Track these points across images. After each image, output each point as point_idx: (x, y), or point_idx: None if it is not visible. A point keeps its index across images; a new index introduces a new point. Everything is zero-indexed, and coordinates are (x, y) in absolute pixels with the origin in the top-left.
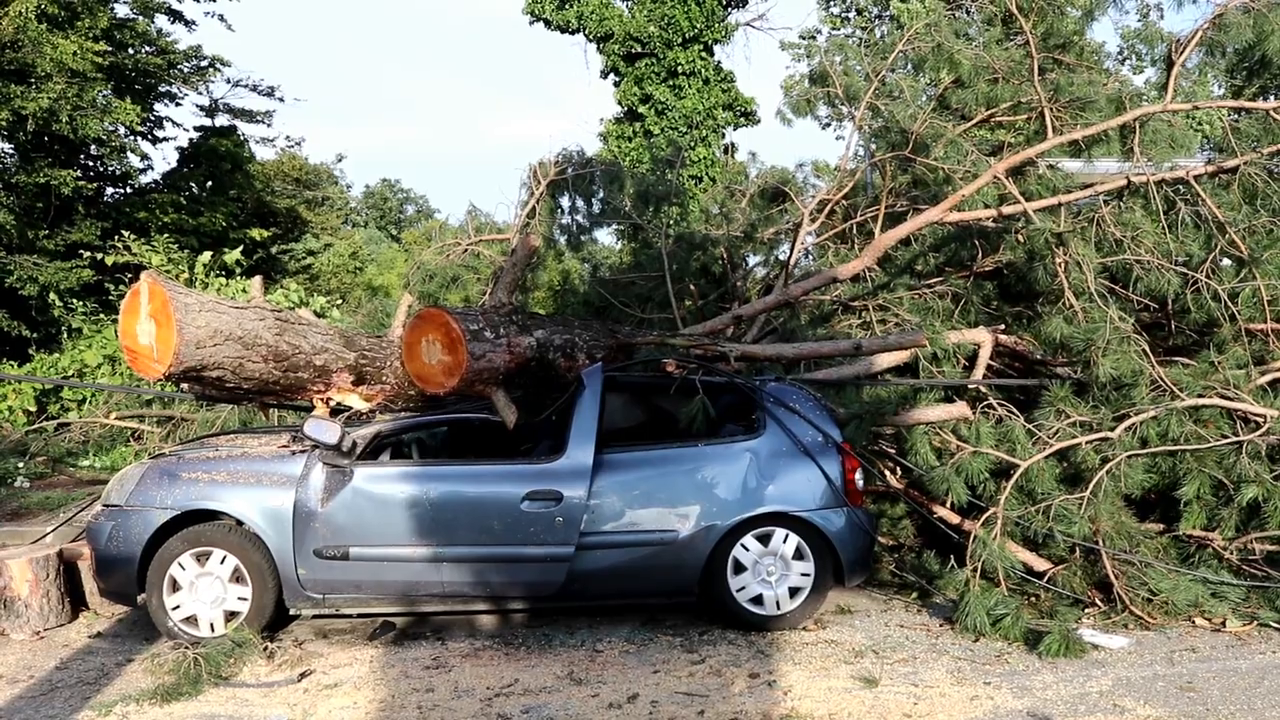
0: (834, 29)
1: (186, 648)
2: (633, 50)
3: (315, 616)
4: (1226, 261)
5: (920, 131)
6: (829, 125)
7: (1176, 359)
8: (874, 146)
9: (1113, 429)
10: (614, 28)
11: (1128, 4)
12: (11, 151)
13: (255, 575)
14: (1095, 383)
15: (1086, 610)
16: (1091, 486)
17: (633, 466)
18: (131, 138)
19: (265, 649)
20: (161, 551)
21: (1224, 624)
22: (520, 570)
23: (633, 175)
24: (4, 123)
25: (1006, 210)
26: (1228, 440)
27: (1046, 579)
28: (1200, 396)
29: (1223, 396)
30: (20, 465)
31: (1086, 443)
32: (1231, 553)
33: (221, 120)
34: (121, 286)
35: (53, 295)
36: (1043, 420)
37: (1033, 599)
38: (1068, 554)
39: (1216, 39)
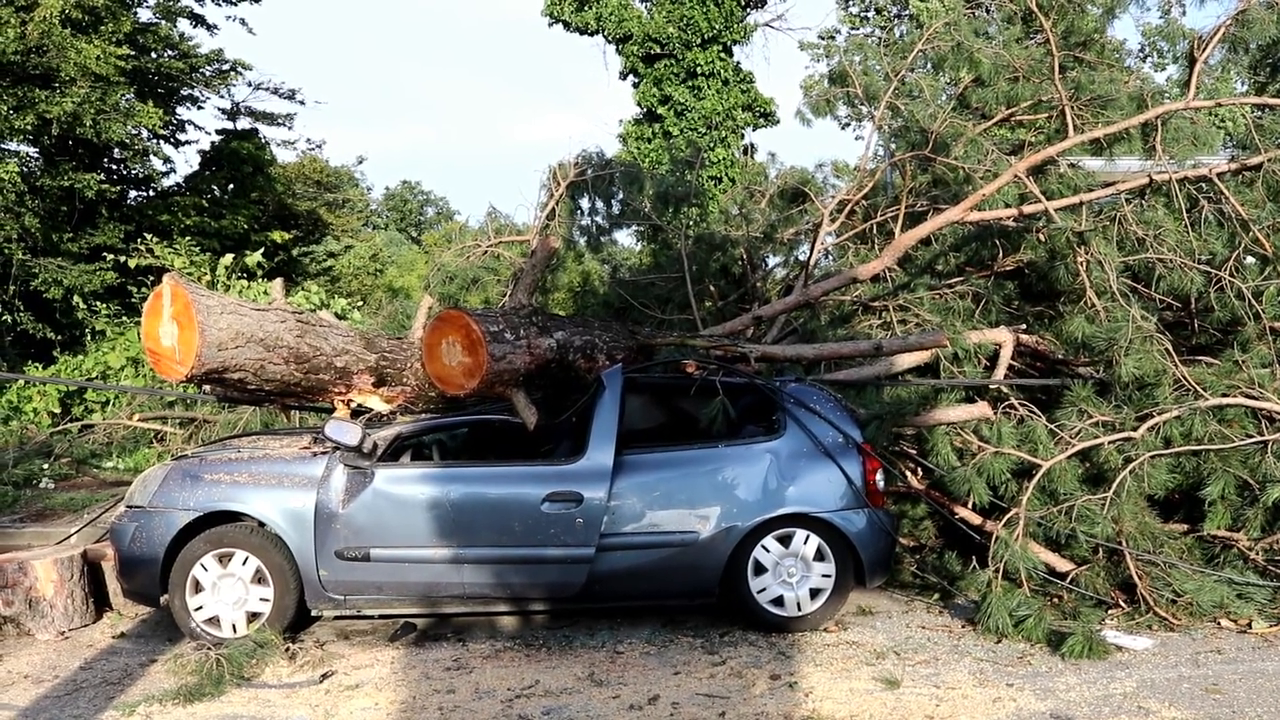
0: (853, 29)
1: (209, 648)
2: (652, 51)
3: (337, 618)
4: (1250, 260)
5: (940, 131)
6: (848, 125)
7: (1200, 358)
8: (894, 146)
9: (1135, 429)
10: (633, 29)
11: (1149, 1)
12: (36, 155)
13: (277, 576)
14: (1118, 382)
15: (1110, 611)
16: (1114, 487)
17: (653, 468)
18: (154, 141)
19: (287, 650)
20: (184, 552)
21: (1250, 625)
22: (541, 571)
23: (652, 176)
24: (29, 127)
25: (1027, 209)
26: (1252, 440)
27: (1069, 580)
28: (1224, 396)
29: (1247, 396)
30: (45, 466)
31: (1109, 443)
32: (1257, 553)
33: (243, 123)
34: (144, 289)
35: (77, 298)
36: (1065, 420)
37: (1055, 600)
38: (1091, 555)
39: (1239, 35)
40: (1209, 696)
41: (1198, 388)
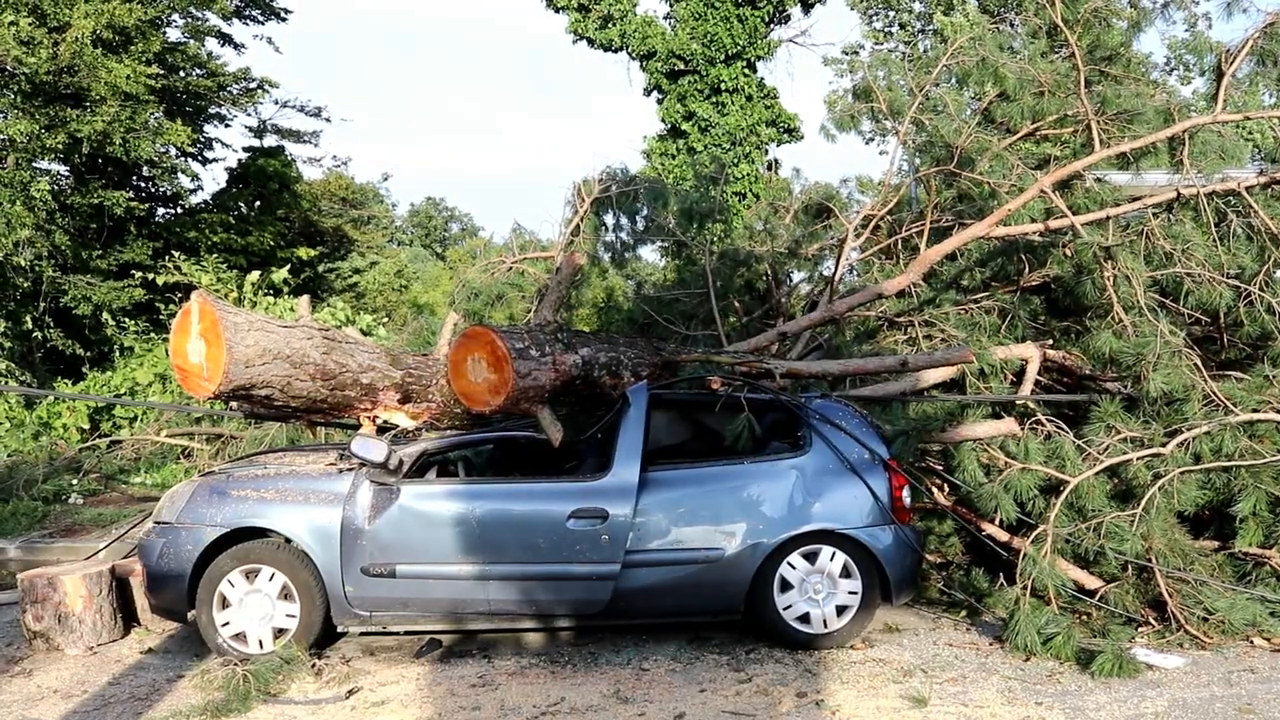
0: (877, 44)
1: (236, 664)
2: (675, 68)
3: (362, 634)
4: None
5: (965, 146)
6: (872, 140)
7: (1229, 373)
8: (918, 161)
9: (1164, 445)
10: (656, 45)
11: (1175, 14)
12: (67, 174)
13: (304, 592)
14: (1146, 398)
15: (1140, 629)
16: (1143, 503)
17: (678, 484)
18: (182, 159)
19: (313, 666)
20: (211, 568)
21: None
22: (566, 588)
23: (676, 192)
24: (60, 146)
25: (1053, 224)
26: None
27: (1098, 597)
28: (1255, 411)
29: (1278, 411)
30: (74, 482)
31: (1138, 459)
32: None
33: (269, 141)
34: (172, 305)
35: (105, 314)
36: (1092, 436)
37: (1084, 618)
38: (1120, 572)
39: (1268, 48)
40: (1242, 716)
41: (1227, 403)
